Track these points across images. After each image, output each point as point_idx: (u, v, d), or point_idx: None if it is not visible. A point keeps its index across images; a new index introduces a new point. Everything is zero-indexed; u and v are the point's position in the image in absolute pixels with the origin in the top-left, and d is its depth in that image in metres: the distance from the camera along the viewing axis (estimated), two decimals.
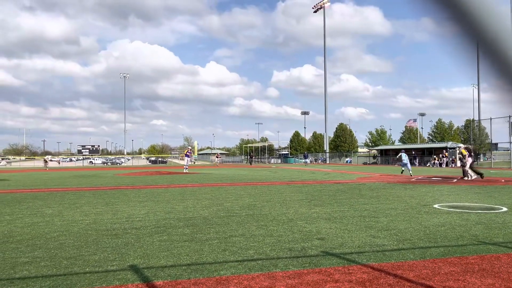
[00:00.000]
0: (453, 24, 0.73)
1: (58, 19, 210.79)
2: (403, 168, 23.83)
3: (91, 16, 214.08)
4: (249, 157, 64.09)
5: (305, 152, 70.77)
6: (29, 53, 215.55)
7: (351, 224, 7.22)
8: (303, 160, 61.73)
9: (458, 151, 20.21)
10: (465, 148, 20.85)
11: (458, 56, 0.78)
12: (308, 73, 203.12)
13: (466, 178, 19.58)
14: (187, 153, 30.99)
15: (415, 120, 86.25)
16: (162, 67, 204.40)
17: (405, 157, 23.55)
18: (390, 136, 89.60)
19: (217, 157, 62.94)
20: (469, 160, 20.02)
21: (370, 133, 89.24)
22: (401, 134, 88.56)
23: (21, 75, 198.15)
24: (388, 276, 4.12)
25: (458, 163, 19.96)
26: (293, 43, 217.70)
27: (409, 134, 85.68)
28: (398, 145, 76.02)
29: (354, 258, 4.87)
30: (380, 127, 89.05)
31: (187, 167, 29.72)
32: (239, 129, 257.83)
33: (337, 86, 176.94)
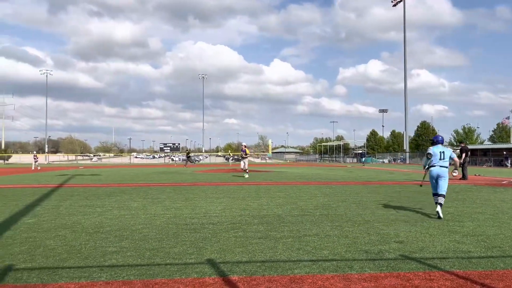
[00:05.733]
0: None
1: (124, 23, 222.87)
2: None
3: (154, 19, 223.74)
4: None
5: (363, 151, 69.08)
6: (103, 56, 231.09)
7: (432, 227, 6.82)
8: (362, 160, 60.04)
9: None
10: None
11: None
12: (374, 68, 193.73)
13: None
14: (244, 153, 22.64)
15: (508, 118, 79.03)
16: (226, 66, 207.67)
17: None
18: (479, 135, 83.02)
19: (228, 156, 49.11)
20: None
21: (456, 131, 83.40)
22: (491, 133, 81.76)
23: (99, 77, 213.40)
24: (475, 285, 3.83)
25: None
26: (356, 39, 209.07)
27: (501, 133, 78.79)
28: (487, 144, 70.25)
29: (436, 263, 4.59)
30: (467, 125, 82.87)
31: (247, 169, 22.56)
32: (310, 128, 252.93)
33: (409, 82, 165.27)
